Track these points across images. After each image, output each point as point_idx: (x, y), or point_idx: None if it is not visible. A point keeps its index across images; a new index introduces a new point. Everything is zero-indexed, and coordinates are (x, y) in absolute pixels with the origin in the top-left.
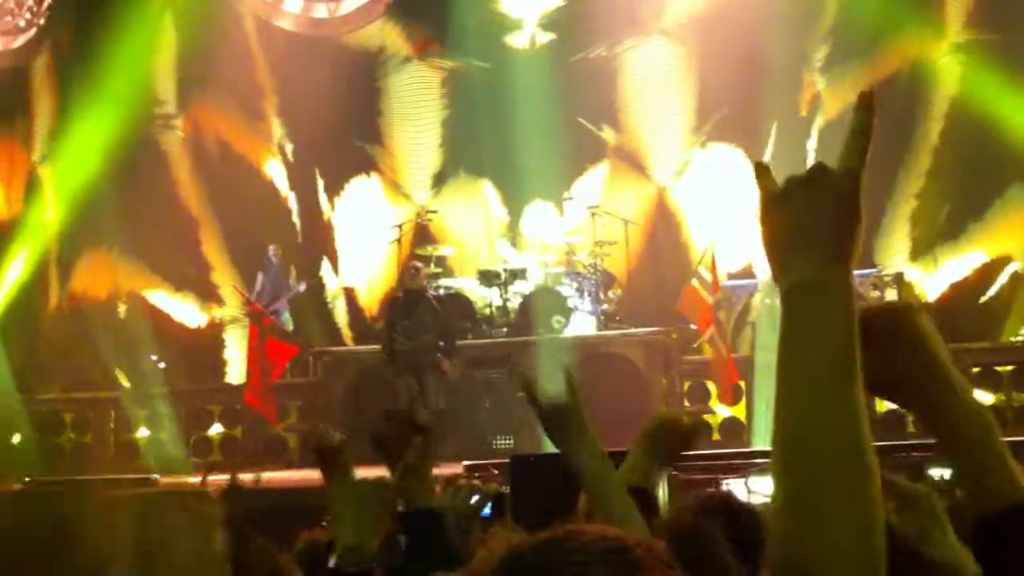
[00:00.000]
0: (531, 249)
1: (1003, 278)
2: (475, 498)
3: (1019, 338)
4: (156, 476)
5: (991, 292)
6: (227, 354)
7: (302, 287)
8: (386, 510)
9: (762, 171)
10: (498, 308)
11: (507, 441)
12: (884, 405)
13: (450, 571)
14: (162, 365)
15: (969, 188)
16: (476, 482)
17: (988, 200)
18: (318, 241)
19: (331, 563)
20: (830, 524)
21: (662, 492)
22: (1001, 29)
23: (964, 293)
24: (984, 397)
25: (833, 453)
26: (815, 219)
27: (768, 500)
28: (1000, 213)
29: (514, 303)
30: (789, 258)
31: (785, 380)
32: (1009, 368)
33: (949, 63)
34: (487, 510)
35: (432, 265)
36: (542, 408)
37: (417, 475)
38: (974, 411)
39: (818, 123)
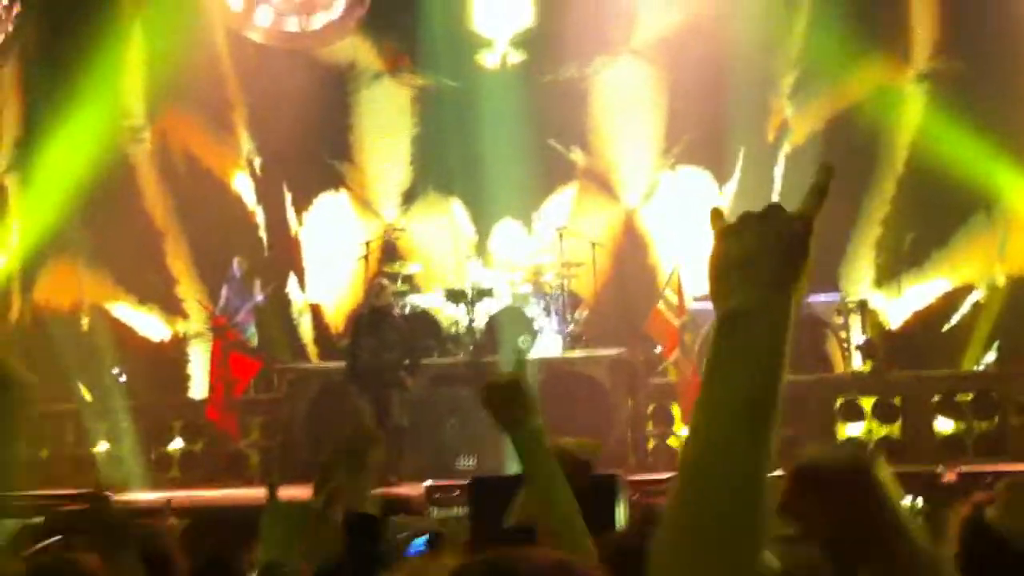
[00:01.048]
0: (499, 268)
1: (965, 307)
2: (402, 534)
3: (980, 367)
4: (111, 492)
5: (954, 320)
6: (190, 368)
7: (260, 296)
8: (320, 533)
9: (716, 215)
10: (464, 327)
11: (470, 462)
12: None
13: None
14: (124, 379)
15: (933, 216)
16: (411, 518)
17: (952, 228)
18: (285, 256)
19: None
20: (709, 555)
21: (620, 512)
22: (965, 59)
23: (927, 321)
24: (945, 424)
25: (729, 489)
26: (761, 251)
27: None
28: (963, 241)
29: (480, 322)
30: (729, 285)
31: (703, 406)
32: (969, 396)
33: (914, 91)
34: (422, 546)
35: (399, 282)
36: (488, 387)
37: (354, 486)
38: (927, 560)
39: (785, 149)
